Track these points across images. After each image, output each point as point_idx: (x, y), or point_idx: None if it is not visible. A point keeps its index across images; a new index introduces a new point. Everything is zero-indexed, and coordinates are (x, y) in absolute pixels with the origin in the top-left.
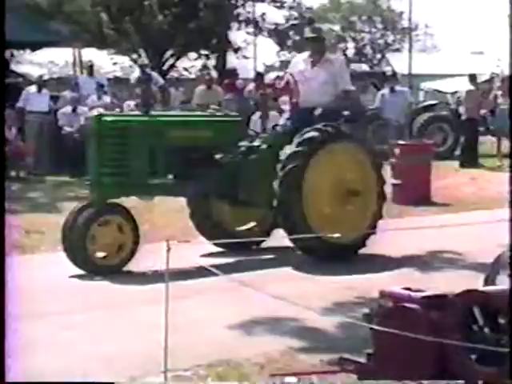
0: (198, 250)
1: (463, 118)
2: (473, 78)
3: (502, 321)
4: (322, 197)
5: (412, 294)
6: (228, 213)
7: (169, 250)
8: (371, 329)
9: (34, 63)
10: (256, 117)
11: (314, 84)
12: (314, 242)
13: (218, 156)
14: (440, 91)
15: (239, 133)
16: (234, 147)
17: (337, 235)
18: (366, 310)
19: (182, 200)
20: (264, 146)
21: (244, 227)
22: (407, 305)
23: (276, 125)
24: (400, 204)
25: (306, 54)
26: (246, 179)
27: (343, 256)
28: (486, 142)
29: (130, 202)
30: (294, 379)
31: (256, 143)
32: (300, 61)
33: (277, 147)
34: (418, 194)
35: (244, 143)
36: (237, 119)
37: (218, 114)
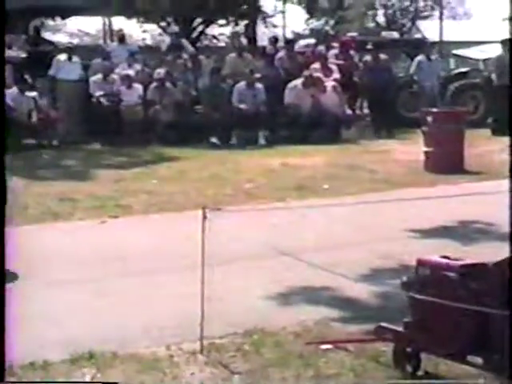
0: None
1: (495, 84)
2: (505, 44)
3: None
4: None
5: (450, 262)
6: None
7: (205, 218)
8: (409, 297)
9: (64, 32)
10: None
11: None
12: None
13: None
14: (472, 58)
15: None
16: None
17: None
18: (404, 279)
19: None
20: None
21: None
22: (445, 273)
23: None
24: (432, 172)
25: None
26: None
27: None
28: None
29: None
30: (329, 347)
31: None
32: None
33: None
34: (450, 162)
35: None
36: None
37: None
